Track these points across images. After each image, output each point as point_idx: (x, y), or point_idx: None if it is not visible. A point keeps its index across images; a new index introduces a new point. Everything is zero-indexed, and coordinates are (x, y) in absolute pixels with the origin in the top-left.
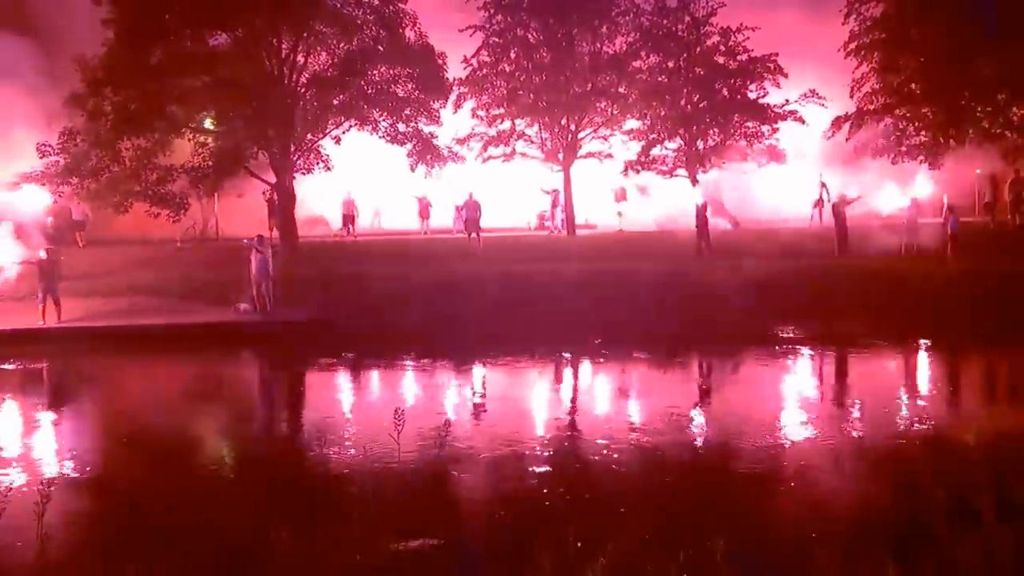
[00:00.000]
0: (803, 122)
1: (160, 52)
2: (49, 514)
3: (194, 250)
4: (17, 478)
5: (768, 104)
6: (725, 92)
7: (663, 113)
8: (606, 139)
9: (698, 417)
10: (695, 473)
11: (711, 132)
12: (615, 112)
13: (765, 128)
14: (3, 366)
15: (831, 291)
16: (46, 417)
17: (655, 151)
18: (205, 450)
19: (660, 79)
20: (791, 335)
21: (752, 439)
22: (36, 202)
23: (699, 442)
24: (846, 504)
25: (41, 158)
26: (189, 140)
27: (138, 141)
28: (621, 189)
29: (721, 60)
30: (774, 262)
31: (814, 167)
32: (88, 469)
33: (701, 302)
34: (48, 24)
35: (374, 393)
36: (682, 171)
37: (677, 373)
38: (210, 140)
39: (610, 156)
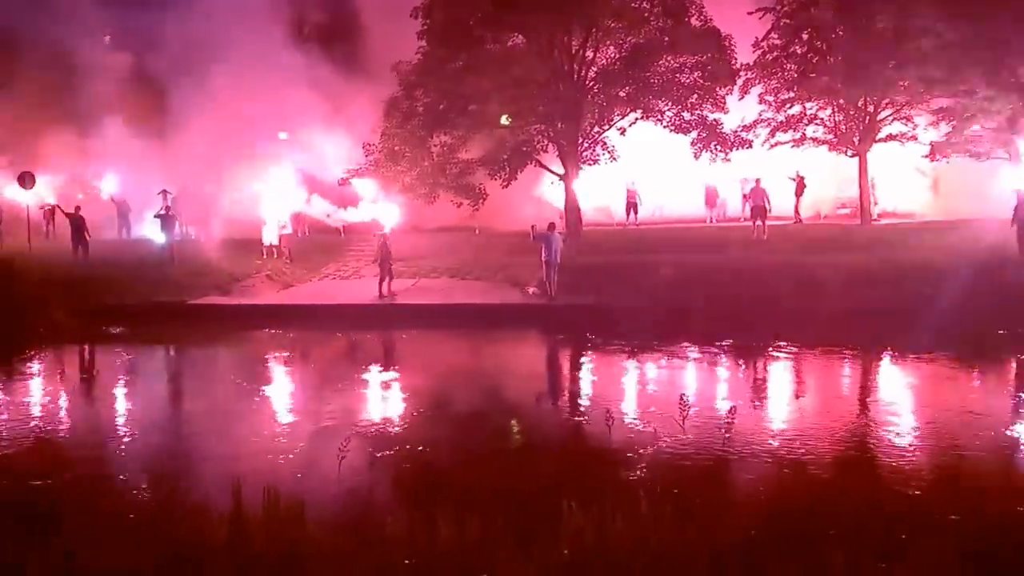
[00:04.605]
0: None
1: (464, 56)
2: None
3: (489, 237)
4: (355, 433)
5: None
6: None
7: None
8: (910, 119)
9: None
10: None
11: None
12: (921, 90)
13: None
14: (336, 334)
15: None
16: (372, 379)
17: (972, 130)
18: (499, 418)
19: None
20: None
21: None
22: (361, 194)
23: None
24: None
25: (366, 156)
26: (487, 135)
27: (444, 138)
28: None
29: None
30: None
31: None
32: (408, 429)
33: None
34: (364, 35)
35: (653, 376)
36: (1002, 152)
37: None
38: (506, 135)
39: (914, 138)
